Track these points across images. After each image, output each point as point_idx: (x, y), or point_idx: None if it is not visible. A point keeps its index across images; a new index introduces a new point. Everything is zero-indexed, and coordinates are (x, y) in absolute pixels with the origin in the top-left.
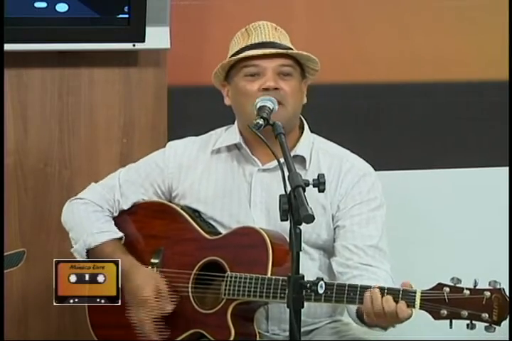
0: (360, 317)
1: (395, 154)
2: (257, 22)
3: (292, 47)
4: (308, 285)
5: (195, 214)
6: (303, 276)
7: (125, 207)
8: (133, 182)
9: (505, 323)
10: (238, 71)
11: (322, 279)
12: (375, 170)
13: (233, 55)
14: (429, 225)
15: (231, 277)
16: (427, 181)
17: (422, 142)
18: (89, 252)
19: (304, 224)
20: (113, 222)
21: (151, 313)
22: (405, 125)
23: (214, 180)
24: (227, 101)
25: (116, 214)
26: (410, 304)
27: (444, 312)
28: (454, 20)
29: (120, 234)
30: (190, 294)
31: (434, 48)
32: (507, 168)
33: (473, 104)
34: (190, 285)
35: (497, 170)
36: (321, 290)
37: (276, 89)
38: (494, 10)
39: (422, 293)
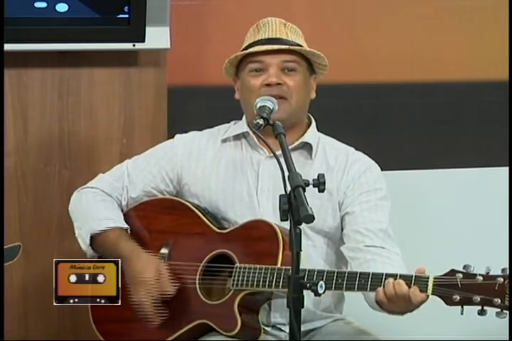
0: (378, 302)
1: (395, 154)
2: (267, 18)
3: (302, 42)
4: (308, 285)
5: (206, 210)
6: (303, 276)
7: (133, 195)
8: (141, 170)
9: (505, 323)
10: (244, 66)
11: (322, 279)
12: None
13: (242, 51)
14: (429, 225)
15: (240, 268)
16: (427, 181)
17: (422, 142)
18: (93, 239)
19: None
20: (121, 212)
21: (152, 295)
22: (405, 125)
23: (224, 167)
24: (237, 95)
25: (124, 203)
26: (423, 289)
27: (457, 297)
28: (454, 20)
29: (126, 226)
30: (197, 285)
31: (434, 48)
32: (507, 168)
33: (473, 104)
34: (197, 276)
35: (497, 170)
36: (321, 291)
37: (278, 84)
38: (494, 10)
39: (434, 278)
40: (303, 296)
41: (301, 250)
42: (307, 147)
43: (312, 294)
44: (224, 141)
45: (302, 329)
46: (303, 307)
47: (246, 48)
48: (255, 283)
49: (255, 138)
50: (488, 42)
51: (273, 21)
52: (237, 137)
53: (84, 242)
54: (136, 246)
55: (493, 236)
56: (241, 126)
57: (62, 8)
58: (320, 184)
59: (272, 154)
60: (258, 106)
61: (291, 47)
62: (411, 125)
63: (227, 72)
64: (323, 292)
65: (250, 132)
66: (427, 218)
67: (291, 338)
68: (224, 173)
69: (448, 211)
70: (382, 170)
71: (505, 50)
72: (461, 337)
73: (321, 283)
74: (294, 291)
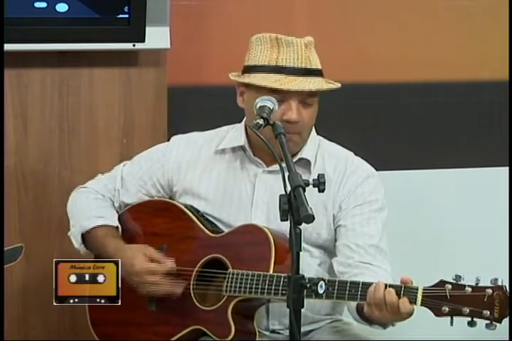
0: (360, 312)
1: (395, 154)
2: (289, 37)
3: (319, 65)
4: (308, 285)
5: (199, 213)
6: (303, 276)
7: (124, 199)
8: (134, 175)
9: (506, 323)
10: (262, 91)
11: (322, 279)
12: (375, 170)
13: (258, 67)
14: (429, 225)
15: (233, 274)
16: (427, 181)
17: (422, 142)
18: (84, 237)
19: (304, 224)
20: (114, 211)
21: (155, 277)
22: (405, 125)
23: (215, 177)
24: (240, 102)
25: (116, 205)
26: (412, 300)
27: (446, 309)
28: (454, 20)
29: (116, 224)
30: (191, 291)
31: (434, 48)
32: (507, 168)
33: (473, 104)
34: (192, 282)
35: (497, 170)
36: (321, 290)
37: (297, 122)
38: (494, 10)
39: (423, 289)
40: (303, 296)
41: (301, 250)
42: (304, 162)
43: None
44: (219, 152)
45: (301, 330)
46: (303, 307)
47: (264, 66)
48: (248, 289)
49: (251, 153)
50: (488, 42)
51: (297, 43)
52: (233, 149)
53: (76, 240)
54: (121, 243)
55: (493, 236)
56: (238, 136)
57: (62, 8)
58: (320, 184)
59: (269, 168)
60: (258, 106)
61: (322, 89)
62: (411, 125)
63: (234, 78)
64: (323, 292)
65: (247, 147)
66: (427, 218)
67: (291, 338)
68: (215, 184)
69: (448, 211)
70: (381, 170)
71: (505, 50)
72: (461, 337)
73: (321, 283)
74: (294, 291)
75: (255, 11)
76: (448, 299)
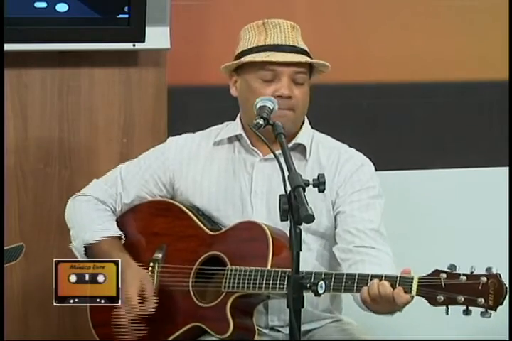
0: (362, 301)
1: (395, 154)
2: (275, 19)
3: (306, 48)
4: (308, 285)
5: (199, 212)
6: (303, 276)
7: (126, 201)
8: (133, 175)
9: (505, 323)
10: (253, 71)
11: (322, 279)
12: (375, 170)
13: (248, 50)
14: (428, 225)
15: (231, 270)
16: (427, 181)
17: (422, 142)
18: (87, 249)
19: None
20: (115, 221)
21: (130, 314)
22: (405, 125)
23: (216, 170)
24: (233, 91)
25: (119, 209)
26: (407, 290)
27: (441, 297)
28: (454, 20)
29: (119, 233)
30: (190, 288)
31: (434, 48)
32: (507, 168)
33: (472, 104)
34: (190, 279)
35: (497, 170)
36: (321, 291)
37: (289, 97)
38: (494, 10)
39: (419, 279)
40: (303, 296)
41: (300, 250)
42: (300, 148)
43: (309, 295)
44: (216, 143)
45: (301, 329)
46: (303, 307)
47: (253, 49)
48: (246, 285)
49: (248, 141)
50: (488, 42)
51: (284, 24)
52: (230, 140)
53: (79, 253)
54: (126, 258)
55: (492, 236)
56: (234, 128)
57: (62, 8)
58: (320, 184)
59: (266, 156)
60: (258, 106)
61: (310, 61)
62: (411, 125)
63: (227, 69)
64: (323, 292)
65: (244, 135)
66: (427, 218)
67: (291, 338)
68: (216, 177)
69: (448, 211)
70: (381, 170)
71: (505, 50)
72: (461, 337)
73: (321, 283)
74: (294, 291)
75: (255, 11)
76: (443, 288)
